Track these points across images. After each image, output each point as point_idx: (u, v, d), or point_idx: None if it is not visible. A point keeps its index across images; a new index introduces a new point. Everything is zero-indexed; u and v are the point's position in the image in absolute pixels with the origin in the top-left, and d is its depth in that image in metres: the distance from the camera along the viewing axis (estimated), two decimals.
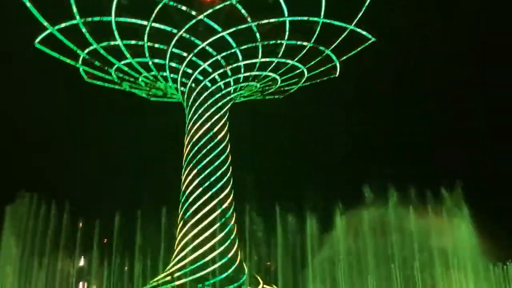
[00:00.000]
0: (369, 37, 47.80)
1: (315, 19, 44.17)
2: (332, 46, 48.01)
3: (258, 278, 46.28)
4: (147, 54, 44.28)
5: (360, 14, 45.14)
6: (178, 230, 45.41)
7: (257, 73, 48.03)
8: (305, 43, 46.62)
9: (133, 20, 41.43)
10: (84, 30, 41.73)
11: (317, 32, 45.49)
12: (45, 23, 41.60)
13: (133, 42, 43.61)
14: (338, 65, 51.01)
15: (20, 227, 42.08)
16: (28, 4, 39.02)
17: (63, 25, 41.68)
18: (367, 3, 43.78)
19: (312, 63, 49.41)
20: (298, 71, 50.66)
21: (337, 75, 52.75)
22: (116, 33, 41.95)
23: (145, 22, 41.32)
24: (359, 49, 49.28)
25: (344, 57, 50.16)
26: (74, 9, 39.69)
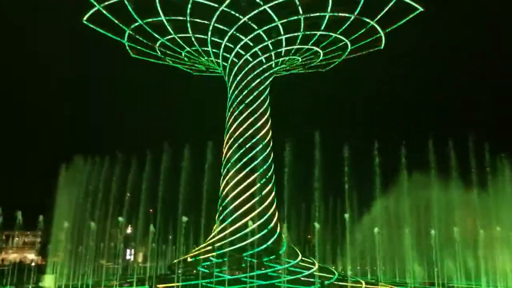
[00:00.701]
0: (417, 6, 45.85)
1: None
2: (377, 17, 46.51)
3: (297, 250, 47.12)
4: (189, 29, 44.65)
5: None
6: (219, 202, 46.62)
7: (299, 46, 47.49)
8: (348, 15, 45.42)
9: None
10: (129, 6, 42.44)
11: (361, 4, 44.13)
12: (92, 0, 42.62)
13: (176, 17, 43.85)
14: (383, 36, 49.49)
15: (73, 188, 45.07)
16: None
17: (109, 2, 42.47)
18: None
19: (356, 35, 48.17)
20: (341, 44, 49.66)
21: (382, 47, 51.28)
22: (159, 9, 42.40)
23: None
24: (405, 20, 47.47)
25: (390, 28, 48.50)
26: None
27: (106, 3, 42.85)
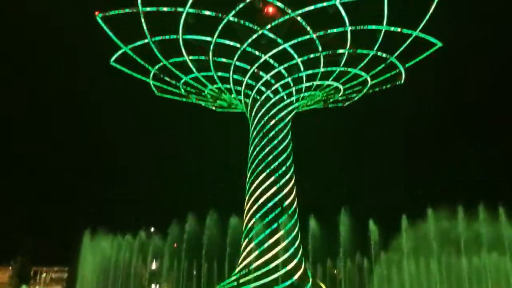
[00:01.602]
0: (436, 42, 46.32)
1: (378, 27, 43.50)
2: (397, 53, 47.13)
3: (322, 285, 46.40)
4: (212, 68, 46.09)
5: (425, 19, 43.89)
6: (243, 237, 46.60)
7: (319, 82, 48.25)
8: (367, 51, 46.16)
9: (199, 37, 43.18)
10: (154, 48, 44.26)
11: (379, 40, 44.85)
12: (119, 43, 44.69)
13: (199, 57, 45.44)
14: (403, 71, 49.92)
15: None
16: (104, 27, 42.15)
17: (135, 44, 44.43)
18: (431, 10, 42.31)
19: (376, 70, 48.75)
20: (361, 79, 50.24)
21: (402, 81, 51.62)
22: (183, 49, 44.07)
23: (210, 38, 42.94)
24: (425, 54, 47.94)
25: (410, 63, 48.98)
26: (145, 29, 42.18)
27: (133, 45, 44.70)
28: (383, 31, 43.83)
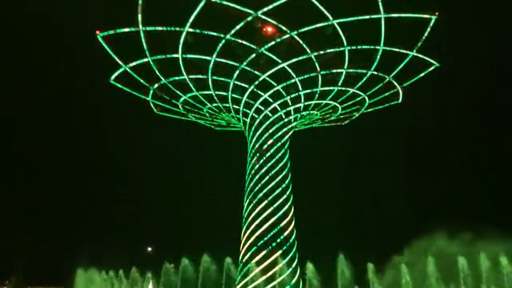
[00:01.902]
0: (433, 62, 46.73)
1: (375, 47, 43.90)
2: (394, 73, 47.48)
3: None
4: (211, 87, 46.35)
5: (422, 40, 44.27)
6: (241, 257, 46.23)
7: (318, 101, 48.53)
8: (365, 71, 46.54)
9: (198, 56, 43.52)
10: (153, 67, 44.54)
11: (377, 60, 45.22)
12: (119, 61, 44.92)
13: (198, 76, 45.75)
14: (400, 91, 50.26)
15: None
16: (105, 45, 42.43)
17: (135, 63, 44.70)
18: (427, 31, 42.77)
19: (373, 90, 49.09)
20: (359, 98, 50.55)
21: (399, 101, 51.93)
22: (182, 68, 44.36)
23: (209, 58, 43.28)
24: (422, 74, 48.28)
25: (407, 83, 49.32)
26: (145, 48, 42.48)
27: (133, 64, 44.95)
28: (380, 51, 44.20)
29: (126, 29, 40.99)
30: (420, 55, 45.42)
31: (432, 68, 47.16)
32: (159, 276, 46.31)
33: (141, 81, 46.87)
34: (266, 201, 46.04)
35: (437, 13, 41.65)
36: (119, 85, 47.68)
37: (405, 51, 45.05)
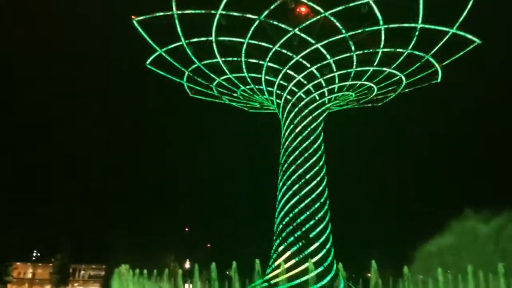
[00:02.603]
0: (474, 39, 44.84)
1: (413, 25, 42.50)
2: (433, 51, 45.93)
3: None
4: (244, 69, 46.37)
5: (463, 17, 42.51)
6: (275, 238, 46.63)
7: (352, 82, 47.71)
8: (402, 50, 45.24)
9: (232, 38, 43.51)
10: (188, 50, 44.92)
11: (415, 38, 43.81)
12: (154, 45, 45.58)
13: (231, 58, 45.81)
14: (439, 70, 48.66)
15: None
16: (140, 29, 43.10)
17: (170, 46, 45.23)
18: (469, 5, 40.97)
19: (411, 69, 47.74)
20: (395, 78, 49.32)
21: (439, 80, 50.33)
22: (216, 51, 44.52)
23: (242, 40, 43.19)
24: (463, 52, 46.48)
25: (446, 62, 47.66)
26: (179, 32, 42.85)
27: (167, 47, 45.49)
28: (418, 29, 42.77)
29: (160, 13, 41.51)
30: (460, 32, 43.74)
31: (474, 45, 45.36)
32: None
33: (176, 64, 47.42)
34: (300, 182, 46.01)
35: None
36: (154, 69, 48.48)
37: (444, 28, 43.50)
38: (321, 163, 47.11)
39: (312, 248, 43.72)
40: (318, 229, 44.48)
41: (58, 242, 79.20)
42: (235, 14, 40.42)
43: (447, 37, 44.10)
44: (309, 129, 46.99)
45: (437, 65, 47.79)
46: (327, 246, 44.91)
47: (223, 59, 45.62)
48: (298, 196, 45.70)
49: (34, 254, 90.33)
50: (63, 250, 79.66)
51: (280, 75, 46.05)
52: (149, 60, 47.21)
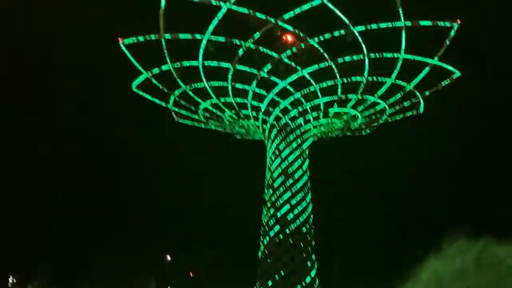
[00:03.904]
0: (454, 71, 46.02)
1: (396, 55, 43.57)
2: (414, 82, 46.89)
3: None
4: (231, 94, 46.69)
5: (444, 48, 43.74)
6: (260, 263, 46.06)
7: (336, 110, 48.29)
8: (386, 79, 46.15)
9: (219, 64, 44.00)
10: (174, 74, 45.23)
11: (398, 68, 44.83)
12: (141, 69, 45.81)
13: (218, 83, 46.17)
14: (421, 101, 49.56)
15: None
16: (127, 53, 43.42)
17: (157, 70, 45.52)
18: (450, 37, 42.27)
19: (393, 99, 48.58)
20: (380, 107, 50.02)
21: (421, 111, 51.15)
22: (202, 76, 44.88)
23: (229, 65, 43.70)
24: (443, 84, 47.50)
25: (428, 92, 48.60)
26: (166, 55, 43.24)
27: (155, 71, 45.81)
28: (401, 60, 43.84)
29: (149, 37, 41.96)
30: (441, 64, 44.87)
31: (454, 77, 46.45)
32: None
33: (163, 88, 47.59)
34: (284, 209, 45.85)
35: (459, 21, 41.27)
36: (141, 93, 48.57)
37: (425, 60, 44.62)
38: (306, 190, 47.06)
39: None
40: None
41: (36, 268, 76.81)
42: (221, 40, 41.15)
43: (429, 68, 45.20)
44: (294, 155, 47.12)
45: (419, 95, 48.71)
46: (313, 273, 44.48)
47: (209, 83, 45.90)
48: (281, 223, 45.51)
49: (10, 281, 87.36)
50: (40, 276, 77.22)
51: (266, 101, 46.39)
52: (135, 83, 47.35)
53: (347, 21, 39.50)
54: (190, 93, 47.85)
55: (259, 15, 39.27)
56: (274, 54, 43.23)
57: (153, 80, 47.13)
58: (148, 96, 49.02)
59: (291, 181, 46.58)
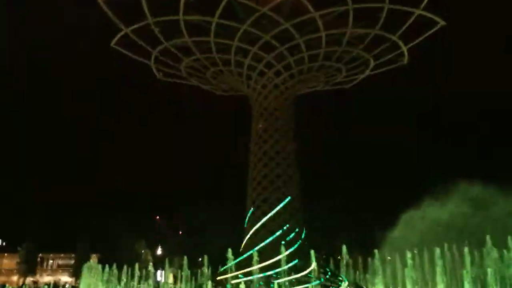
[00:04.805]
0: (438, 20, 45.65)
1: (380, 4, 42.87)
2: (399, 33, 46.52)
3: (327, 269, 46.61)
4: (213, 50, 45.77)
5: None
6: (247, 220, 46.73)
7: (322, 63, 47.87)
8: (370, 30, 45.64)
9: (200, 18, 42.80)
10: (155, 29, 43.97)
11: (382, 19, 44.25)
12: (120, 25, 44.39)
13: (200, 38, 45.09)
14: (406, 52, 49.38)
15: None
16: (105, 7, 41.89)
17: (136, 26, 44.15)
18: None
19: (378, 51, 48.28)
20: (364, 59, 49.80)
21: (405, 62, 51.10)
22: (184, 31, 43.72)
23: (211, 19, 42.55)
24: (427, 34, 47.30)
25: (412, 44, 48.37)
26: (146, 10, 41.86)
27: (133, 27, 44.42)
28: (385, 10, 43.19)
29: None
30: (425, 13, 44.39)
31: (437, 27, 46.17)
32: None
33: (143, 44, 46.42)
34: (271, 165, 46.19)
35: None
36: (121, 50, 47.34)
37: (410, 9, 44.05)
38: (292, 144, 47.33)
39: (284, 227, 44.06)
40: (291, 208, 44.91)
41: (24, 230, 77.16)
42: None
43: (413, 18, 44.74)
44: (279, 110, 47.03)
45: (403, 46, 48.46)
46: (299, 227, 45.32)
47: (191, 39, 44.82)
48: (268, 178, 45.92)
49: None
50: (29, 238, 77.64)
51: (249, 55, 45.65)
52: (114, 41, 46.02)
53: None
54: (172, 49, 46.77)
55: None
56: (258, 8, 42.10)
57: (132, 36, 45.79)
58: (129, 54, 47.82)
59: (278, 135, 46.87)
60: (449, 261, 43.21)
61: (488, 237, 38.66)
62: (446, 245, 43.15)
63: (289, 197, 45.21)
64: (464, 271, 30.01)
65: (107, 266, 46.98)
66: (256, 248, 43.11)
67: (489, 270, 32.05)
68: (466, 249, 34.37)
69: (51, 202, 78.87)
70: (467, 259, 32.93)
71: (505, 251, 38.64)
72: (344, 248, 41.25)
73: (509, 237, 38.23)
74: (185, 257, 44.80)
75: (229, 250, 42.66)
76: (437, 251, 38.46)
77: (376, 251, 45.04)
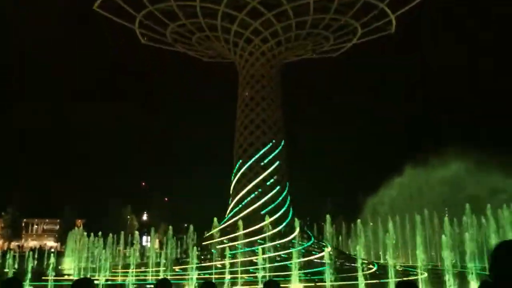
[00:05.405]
0: None
1: None
2: (387, 1, 46.13)
3: (310, 234, 47.61)
4: (199, 15, 44.88)
5: None
6: (232, 187, 47.17)
7: (309, 31, 47.39)
8: None
9: None
10: None
11: None
12: None
13: (186, 3, 44.12)
14: (393, 20, 49.09)
15: None
16: None
17: None
18: None
19: (366, 19, 47.90)
20: (351, 27, 49.44)
21: (392, 31, 50.86)
22: None
23: None
24: (415, 2, 46.99)
25: (399, 12, 48.05)
26: None
27: None
28: None
29: None
30: None
31: None
32: None
33: (127, 8, 45.23)
34: (257, 132, 46.35)
35: None
36: (104, 13, 46.08)
37: None
38: (278, 112, 47.40)
39: (269, 195, 44.64)
40: (276, 175, 45.41)
41: (9, 195, 76.72)
42: None
43: None
44: (265, 78, 46.79)
45: (391, 14, 48.13)
46: (284, 193, 45.97)
47: (177, 3, 43.80)
48: (254, 145, 46.16)
49: None
50: (14, 203, 77.28)
51: (236, 21, 44.93)
52: (97, 3, 44.73)
53: None
54: (157, 13, 45.71)
55: None
56: None
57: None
58: (113, 17, 46.59)
59: (265, 103, 46.82)
60: (428, 227, 44.82)
61: (467, 205, 40.14)
62: (426, 212, 44.63)
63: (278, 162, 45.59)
64: (443, 236, 31.27)
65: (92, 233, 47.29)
66: (241, 214, 43.86)
67: (466, 234, 33.74)
68: (445, 218, 35.63)
69: (36, 167, 78.31)
70: (447, 226, 34.12)
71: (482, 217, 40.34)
72: (328, 217, 42.18)
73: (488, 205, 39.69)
74: (170, 227, 45.29)
75: (215, 219, 43.35)
76: (418, 218, 39.72)
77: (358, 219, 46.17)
